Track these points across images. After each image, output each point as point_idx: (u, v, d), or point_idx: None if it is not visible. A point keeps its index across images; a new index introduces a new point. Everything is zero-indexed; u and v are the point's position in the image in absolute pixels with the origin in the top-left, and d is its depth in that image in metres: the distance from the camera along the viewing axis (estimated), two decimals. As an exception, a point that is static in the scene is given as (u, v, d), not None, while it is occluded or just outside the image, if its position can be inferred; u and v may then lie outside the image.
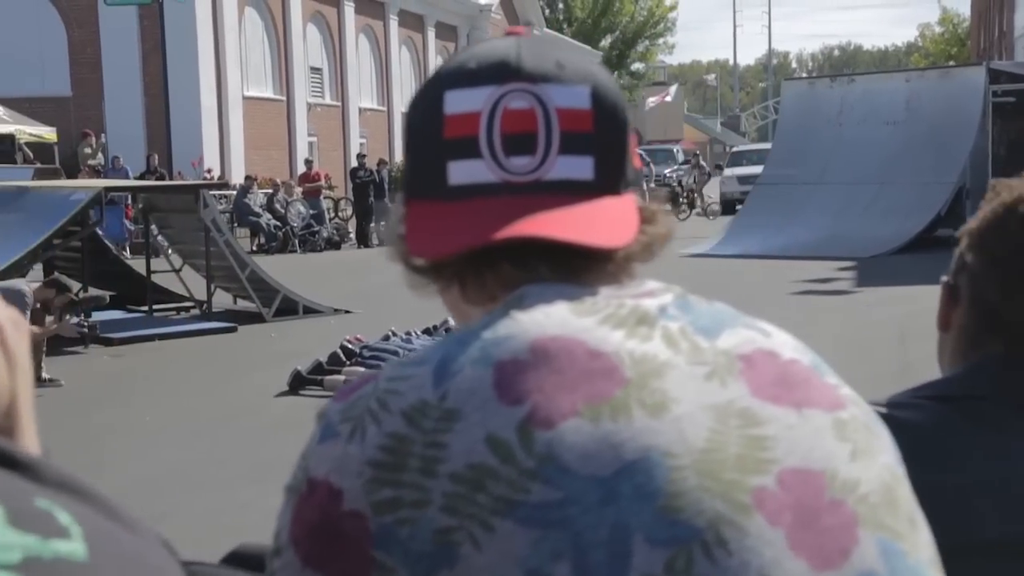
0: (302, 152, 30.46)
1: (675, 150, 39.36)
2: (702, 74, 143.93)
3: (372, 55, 37.34)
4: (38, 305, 9.38)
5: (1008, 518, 1.32)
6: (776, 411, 0.94)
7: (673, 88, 75.40)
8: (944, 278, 1.49)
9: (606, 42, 64.31)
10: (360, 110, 35.60)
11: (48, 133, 23.00)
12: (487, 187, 0.99)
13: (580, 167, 1.00)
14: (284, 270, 18.14)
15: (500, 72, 1.01)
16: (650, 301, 0.98)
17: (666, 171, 35.34)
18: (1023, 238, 1.38)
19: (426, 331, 11.18)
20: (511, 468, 0.86)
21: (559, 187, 0.99)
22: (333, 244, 23.93)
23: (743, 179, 29.90)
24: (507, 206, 0.98)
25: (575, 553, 0.84)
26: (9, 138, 20.41)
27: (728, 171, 34.16)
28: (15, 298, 9.16)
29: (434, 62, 41.33)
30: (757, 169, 24.75)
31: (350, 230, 25.33)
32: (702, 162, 31.53)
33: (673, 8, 67.55)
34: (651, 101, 63.45)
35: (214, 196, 24.02)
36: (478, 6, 43.80)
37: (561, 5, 63.79)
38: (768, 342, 1.00)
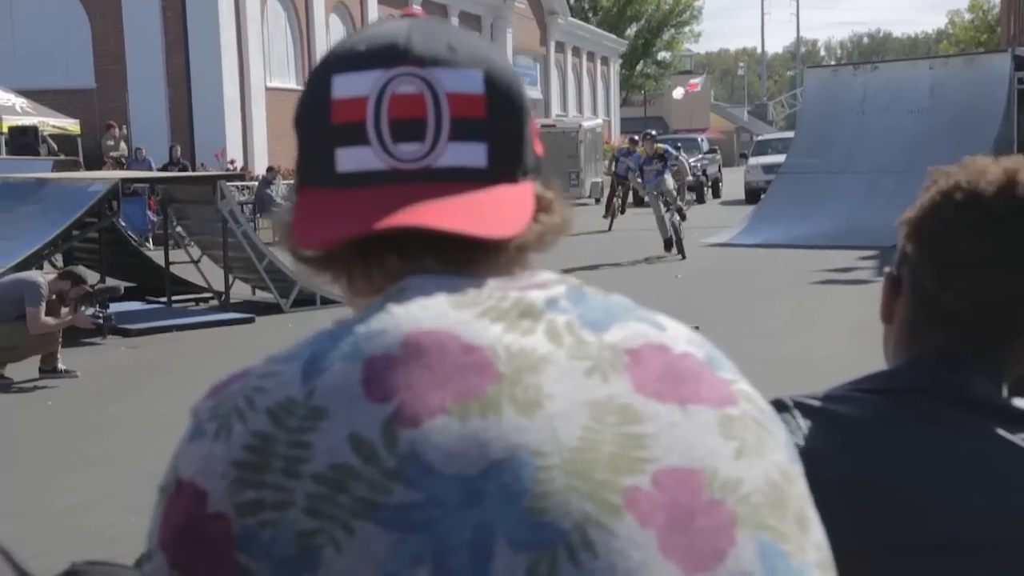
0: (325, 143, 30.47)
1: (699, 139, 39.09)
2: (729, 63, 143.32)
3: (396, 45, 37.31)
4: (53, 296, 9.42)
5: (942, 516, 1.28)
6: (659, 407, 0.91)
7: (700, 77, 75.10)
8: (887, 269, 1.45)
9: (632, 31, 64.10)
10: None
11: (72, 125, 23.11)
12: (375, 175, 0.96)
13: (472, 154, 0.97)
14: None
15: (388, 55, 0.97)
16: (538, 293, 0.95)
17: (690, 160, 35.12)
18: (958, 226, 1.34)
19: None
20: (373, 468, 0.83)
21: (450, 175, 0.96)
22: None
23: (768, 168, 29.73)
24: (394, 194, 0.94)
25: (435, 557, 0.81)
26: (32, 130, 20.52)
27: (753, 160, 33.98)
28: (30, 289, 9.21)
29: (458, 52, 41.29)
30: (782, 158, 24.60)
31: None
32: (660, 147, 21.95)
33: (699, -4, 67.25)
34: (679, 92, 63.19)
35: (237, 187, 24.19)
36: (502, -5, 43.72)
37: (586, -7, 63.61)
38: (660, 336, 0.96)
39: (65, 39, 27.12)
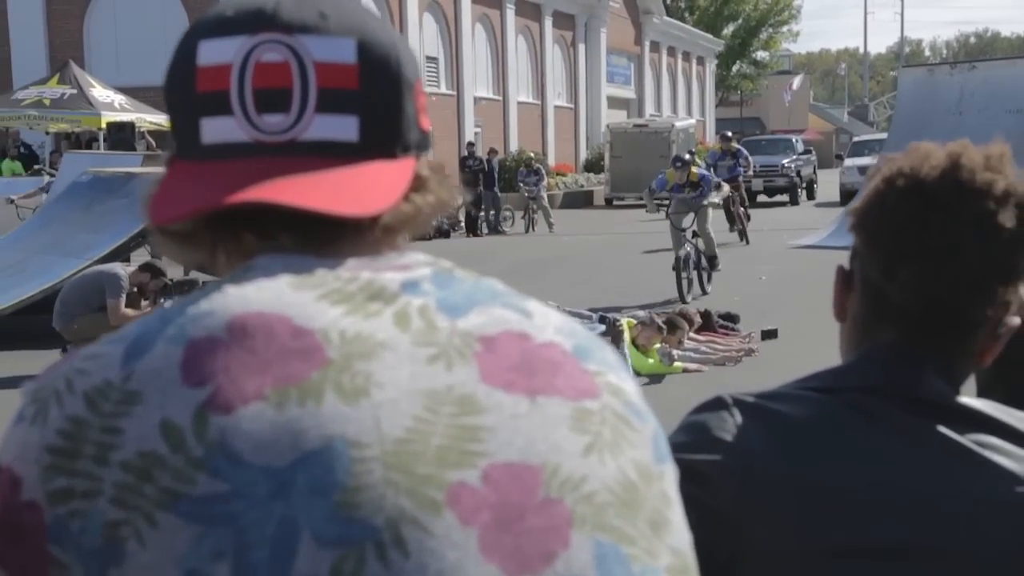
0: (417, 141, 30.67)
1: (794, 140, 38.51)
2: (831, 63, 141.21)
3: (488, 44, 37.45)
4: (134, 289, 9.61)
5: (884, 520, 1.22)
6: (504, 398, 0.87)
7: (798, 77, 74.13)
8: (838, 264, 1.38)
9: (728, 30, 63.47)
10: (475, 99, 35.74)
11: (168, 121, 23.50)
12: (239, 147, 0.92)
13: (342, 127, 0.93)
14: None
15: (254, 21, 0.93)
16: (395, 275, 0.91)
17: (784, 161, 34.66)
18: (902, 214, 1.27)
19: (517, 320, 11.13)
20: (180, 457, 0.79)
21: (317, 148, 0.92)
22: (442, 233, 24.05)
23: (863, 169, 29.17)
24: (256, 168, 0.90)
25: (236, 552, 0.77)
26: (129, 126, 20.93)
27: (849, 161, 33.40)
28: (111, 281, 9.40)
29: (551, 52, 41.30)
30: (877, 159, 24.09)
31: (460, 219, 25.44)
32: (694, 169, 17.56)
33: (798, -5, 66.35)
34: (786, 95, 62.40)
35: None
36: (597, -6, 43.59)
37: (683, -7, 63.16)
38: (524, 323, 0.92)
39: (165, 37, 27.66)
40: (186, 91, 0.94)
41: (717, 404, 1.30)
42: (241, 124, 0.92)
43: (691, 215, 14.64)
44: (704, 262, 14.47)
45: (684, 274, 13.64)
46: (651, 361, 9.55)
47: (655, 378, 9.39)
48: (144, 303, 9.70)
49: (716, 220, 15.93)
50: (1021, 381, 1.58)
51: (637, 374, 9.30)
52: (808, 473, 1.24)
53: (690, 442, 1.28)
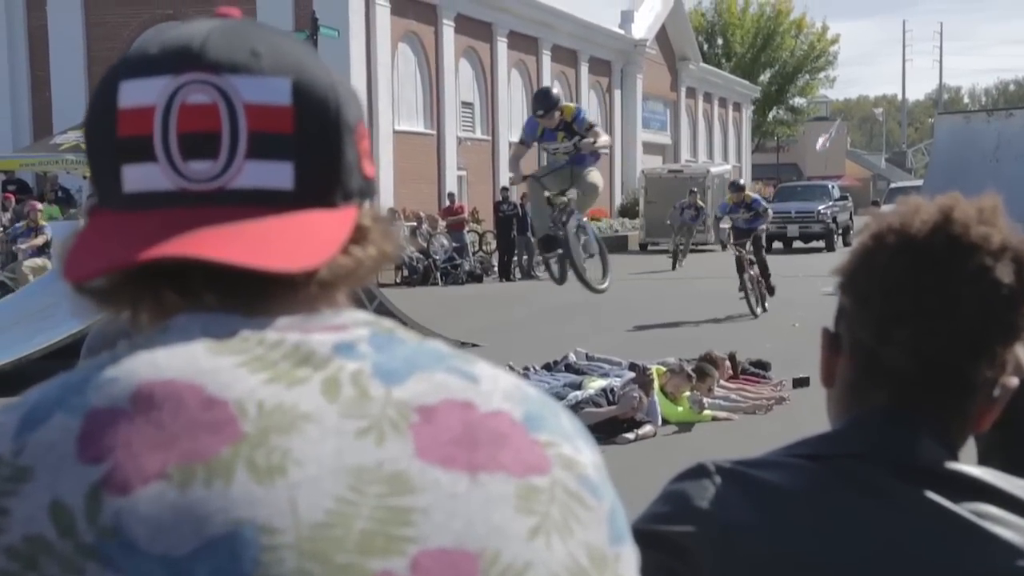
0: (451, 186, 30.79)
1: (831, 186, 38.37)
2: (868, 109, 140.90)
3: (524, 90, 37.57)
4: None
5: None
6: (440, 476, 0.79)
7: (836, 123, 73.95)
8: (823, 327, 1.31)
9: (765, 76, 63.47)
10: (510, 144, 35.82)
11: (88, 168, 23.71)
12: (163, 196, 0.85)
13: (275, 174, 0.86)
14: (422, 302, 18.32)
15: (180, 59, 0.86)
16: (327, 337, 0.83)
17: (820, 207, 34.49)
18: (894, 272, 1.19)
19: (546, 366, 11.07)
20: (69, 543, 0.72)
21: (248, 197, 0.85)
22: (475, 277, 24.05)
23: (900, 216, 28.97)
24: (179, 219, 0.83)
25: None
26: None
27: (885, 207, 33.00)
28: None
29: (586, 97, 41.41)
30: (914, 206, 23.89)
31: (494, 263, 25.42)
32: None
33: (835, 42, 66.35)
34: (820, 143, 62.30)
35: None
36: (632, 41, 43.74)
37: (720, 40, 63.27)
38: (468, 391, 0.84)
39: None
40: (106, 136, 0.87)
41: (698, 472, 1.23)
42: (165, 172, 0.85)
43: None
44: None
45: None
46: (680, 409, 9.42)
47: (684, 427, 9.26)
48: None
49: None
50: (1021, 446, 1.50)
51: (666, 422, 9.19)
52: (792, 546, 1.16)
53: (668, 513, 1.20)
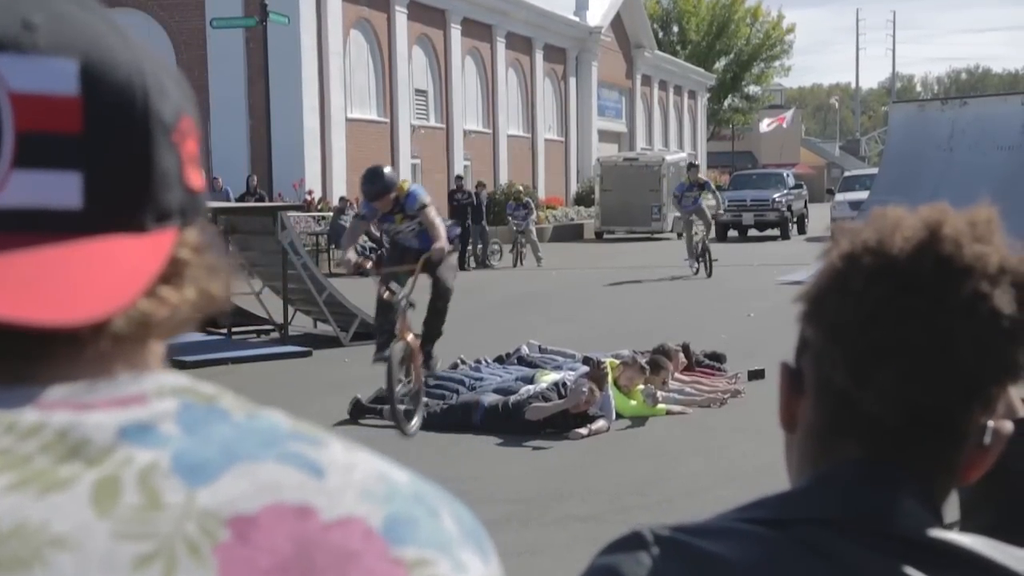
0: (405, 174, 30.48)
1: (785, 175, 38.38)
2: (823, 97, 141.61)
3: (479, 77, 37.31)
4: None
5: None
6: None
7: (790, 112, 74.18)
8: (782, 361, 1.10)
9: (720, 64, 63.52)
10: (465, 132, 35.56)
11: None
12: None
13: (57, 188, 0.64)
14: (374, 292, 18.02)
15: None
16: (112, 416, 0.62)
17: (775, 195, 34.48)
18: (872, 301, 0.98)
19: (498, 359, 10.86)
20: None
21: (17, 221, 0.63)
22: (429, 267, 23.76)
23: (854, 204, 28.99)
24: None
25: None
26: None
27: (840, 196, 33.24)
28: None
29: (542, 84, 41.17)
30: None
31: (448, 253, 25.16)
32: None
33: (790, 31, 66.52)
34: (766, 124, 62.45)
35: (313, 218, 24.20)
36: (587, 28, 43.53)
37: (675, 28, 63.25)
38: (309, 489, 0.63)
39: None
40: None
41: (633, 542, 1.02)
42: None
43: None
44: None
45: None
46: (634, 403, 9.24)
47: (638, 421, 9.08)
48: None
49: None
50: (1011, 499, 1.30)
51: (619, 416, 9.01)
52: None
53: None
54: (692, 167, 22.81)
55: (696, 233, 20.90)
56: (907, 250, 0.98)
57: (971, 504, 1.30)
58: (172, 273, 0.68)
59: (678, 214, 35.26)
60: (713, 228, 21.74)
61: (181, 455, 0.62)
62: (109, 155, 0.66)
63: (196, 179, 0.71)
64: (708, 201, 22.10)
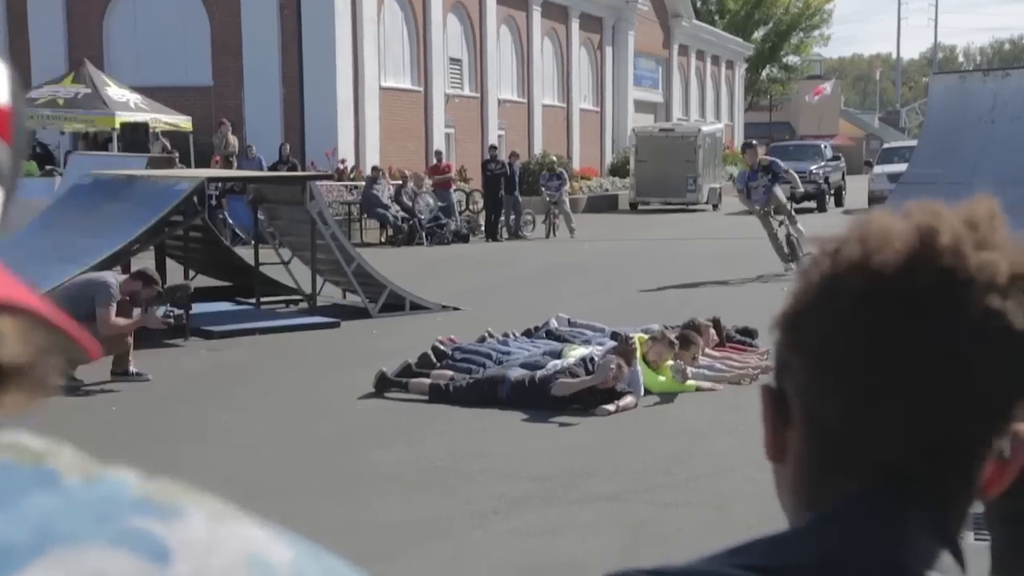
0: (439, 144, 30.31)
1: (823, 146, 37.90)
2: (863, 68, 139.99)
3: (513, 46, 37.00)
4: (126, 297, 9.23)
5: None
6: None
7: (830, 82, 73.31)
8: (763, 382, 0.95)
9: (759, 34, 62.77)
10: (499, 102, 35.29)
11: (184, 122, 23.24)
12: None
13: None
14: (405, 263, 17.94)
15: None
16: None
17: (812, 167, 34.06)
18: (865, 325, 0.84)
19: (526, 332, 10.72)
20: None
21: None
22: (461, 237, 23.62)
23: (893, 176, 28.56)
24: None
25: None
26: (143, 127, 20.62)
27: (878, 168, 32.81)
28: (101, 289, 9.03)
29: (577, 54, 40.80)
30: (907, 167, 23.55)
31: (481, 223, 25.01)
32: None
33: (830, 0, 65.59)
34: (810, 98, 61.76)
35: (346, 187, 24.10)
36: (624, -3, 43.07)
37: (713, -4, 62.52)
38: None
39: (185, 37, 27.37)
40: None
41: None
42: None
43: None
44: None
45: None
46: (662, 379, 9.09)
47: (666, 397, 8.94)
48: (136, 312, 9.32)
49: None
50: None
51: (648, 392, 8.86)
52: None
53: None
54: (749, 147, 17.37)
55: (779, 229, 16.61)
56: (900, 265, 0.83)
57: (995, 519, 1.14)
58: None
59: (716, 185, 35.06)
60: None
61: None
62: None
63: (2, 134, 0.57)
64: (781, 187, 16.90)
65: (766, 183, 16.35)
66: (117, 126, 20.81)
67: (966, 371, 0.81)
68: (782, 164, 17.08)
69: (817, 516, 0.87)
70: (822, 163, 34.92)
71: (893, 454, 0.84)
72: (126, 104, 21.95)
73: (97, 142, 22.78)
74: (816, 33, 66.43)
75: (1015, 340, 0.82)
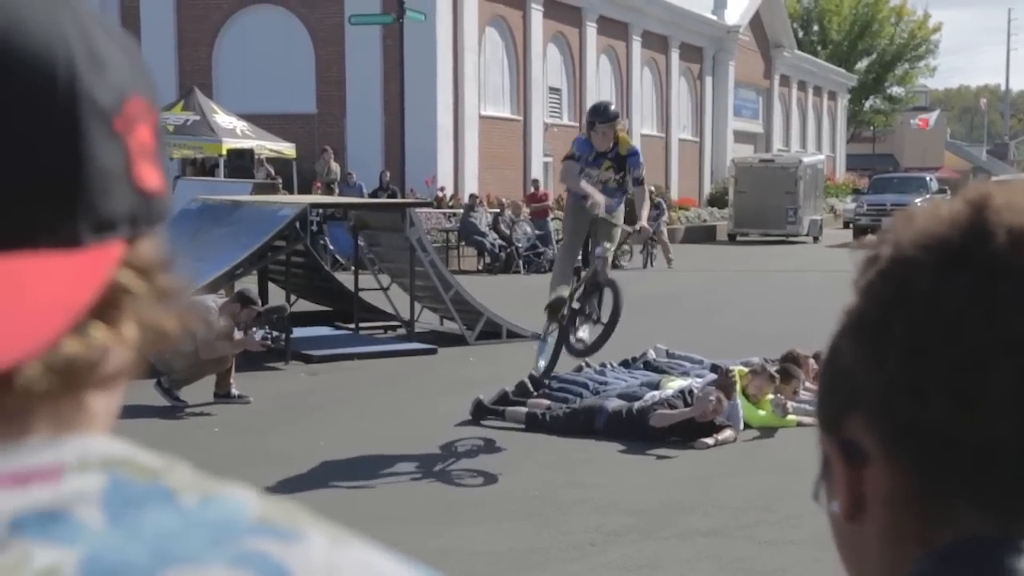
0: (537, 172, 30.38)
1: (928, 179, 37.21)
2: (969, 99, 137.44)
3: (613, 76, 37.02)
4: (228, 320, 9.37)
5: None
6: None
7: (935, 113, 72.07)
8: (822, 436, 0.82)
9: (862, 64, 61.99)
10: (598, 132, 35.27)
11: (288, 149, 23.64)
12: None
13: None
14: (502, 291, 17.96)
15: None
16: (10, 499, 0.47)
17: (917, 200, 33.45)
18: (951, 297, 0.75)
19: (623, 363, 10.64)
20: None
21: None
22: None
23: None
24: None
25: None
26: (248, 153, 21.02)
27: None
28: (201, 313, 9.18)
29: (677, 84, 40.68)
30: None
31: (577, 252, 24.95)
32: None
33: (937, 30, 64.55)
34: (914, 122, 60.78)
35: (444, 214, 24.27)
36: (725, 27, 42.86)
37: (816, 27, 61.94)
38: None
39: (290, 66, 27.89)
40: None
41: None
42: None
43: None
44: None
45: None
46: (763, 413, 8.95)
47: (766, 432, 8.79)
48: (237, 334, 9.46)
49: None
50: None
51: (747, 426, 8.73)
52: None
53: None
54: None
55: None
56: (965, 229, 0.76)
57: None
58: (108, 303, 0.52)
59: (817, 217, 34.38)
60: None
61: (95, 557, 0.46)
62: (20, 146, 0.50)
63: (151, 178, 0.56)
64: None
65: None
66: (224, 152, 21.25)
67: None
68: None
69: (933, 555, 0.78)
70: (927, 196, 34.23)
71: (1007, 439, 0.72)
72: (233, 131, 22.40)
73: (204, 168, 23.29)
74: (922, 64, 65.42)
75: None
